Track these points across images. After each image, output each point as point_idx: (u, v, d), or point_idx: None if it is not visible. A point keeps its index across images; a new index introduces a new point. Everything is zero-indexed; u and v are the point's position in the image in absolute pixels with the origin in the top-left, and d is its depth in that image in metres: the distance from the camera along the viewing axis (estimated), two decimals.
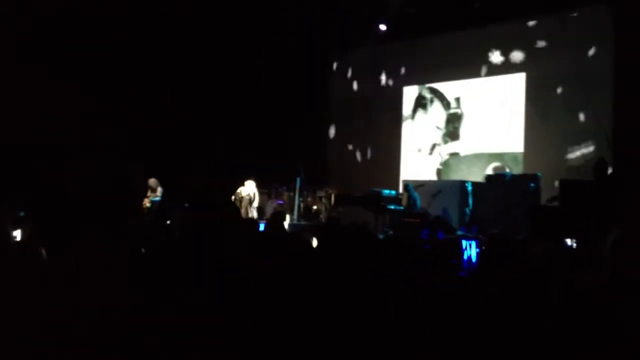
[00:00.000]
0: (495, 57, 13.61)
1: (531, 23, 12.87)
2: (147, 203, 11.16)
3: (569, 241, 7.76)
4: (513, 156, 13.30)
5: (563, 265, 3.22)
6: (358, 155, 16.06)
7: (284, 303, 2.48)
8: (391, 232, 10.41)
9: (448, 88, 14.88)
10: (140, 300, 1.66)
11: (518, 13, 12.49)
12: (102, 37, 11.34)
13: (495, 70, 13.69)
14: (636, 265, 2.57)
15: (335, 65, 16.88)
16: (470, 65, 14.02)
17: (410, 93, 15.73)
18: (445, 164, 14.85)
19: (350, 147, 16.23)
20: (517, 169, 12.72)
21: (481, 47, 13.80)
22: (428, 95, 15.52)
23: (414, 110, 15.76)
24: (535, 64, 12.83)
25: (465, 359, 2.43)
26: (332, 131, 16.86)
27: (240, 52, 13.63)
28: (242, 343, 1.93)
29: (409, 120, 15.84)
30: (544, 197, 9.79)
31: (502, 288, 2.94)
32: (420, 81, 15.35)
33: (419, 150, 15.43)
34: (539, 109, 12.73)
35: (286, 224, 11.01)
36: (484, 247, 6.82)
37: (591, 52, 11.50)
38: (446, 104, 14.96)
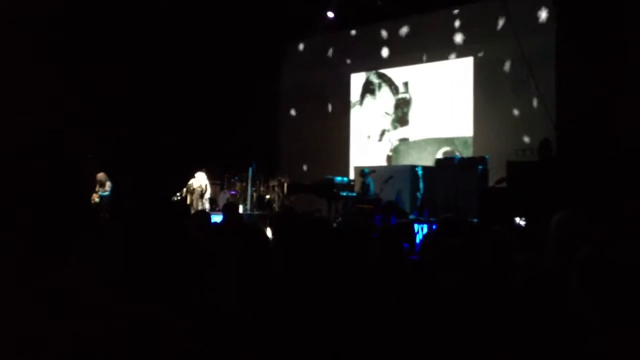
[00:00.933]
0: (443, 41, 13.63)
1: (476, 6, 12.96)
2: (95, 198, 10.97)
3: (518, 220, 7.99)
4: (463, 140, 13.35)
5: (511, 246, 3.30)
6: (309, 144, 15.95)
7: (242, 295, 2.48)
8: (340, 219, 10.47)
9: (396, 73, 14.82)
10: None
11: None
12: None
13: (443, 55, 13.73)
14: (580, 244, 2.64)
15: (285, 54, 16.78)
16: (417, 50, 14.09)
17: (358, 79, 15.69)
18: (395, 150, 14.82)
19: (300, 135, 16.14)
20: (468, 153, 12.80)
21: (429, 32, 13.84)
22: (376, 80, 15.43)
23: (362, 96, 15.70)
24: (483, 48, 12.96)
25: (417, 342, 2.47)
26: (283, 120, 16.79)
27: (189, 43, 13.43)
28: (200, 337, 1.92)
29: (358, 107, 15.78)
30: (493, 180, 9.98)
31: (452, 271, 3.00)
32: (369, 68, 15.34)
33: (369, 137, 15.38)
34: (487, 92, 12.86)
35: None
36: (431, 231, 6.92)
37: (537, 35, 11.69)
38: (394, 89, 14.91)
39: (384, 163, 14.58)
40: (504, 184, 8.48)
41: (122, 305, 1.41)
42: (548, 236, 2.89)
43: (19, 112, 9.26)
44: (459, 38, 13.44)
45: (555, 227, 2.83)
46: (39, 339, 1.34)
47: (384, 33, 14.70)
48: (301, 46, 16.33)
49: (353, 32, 15.24)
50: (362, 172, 11.80)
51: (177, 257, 1.96)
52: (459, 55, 13.48)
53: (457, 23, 13.45)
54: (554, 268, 2.62)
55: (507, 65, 12.48)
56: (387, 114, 15.06)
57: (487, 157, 10.91)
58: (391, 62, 14.76)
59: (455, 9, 13.32)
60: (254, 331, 2.25)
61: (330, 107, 16.00)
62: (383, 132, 15.12)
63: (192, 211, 11.62)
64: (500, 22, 12.43)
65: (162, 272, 1.90)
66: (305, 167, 15.53)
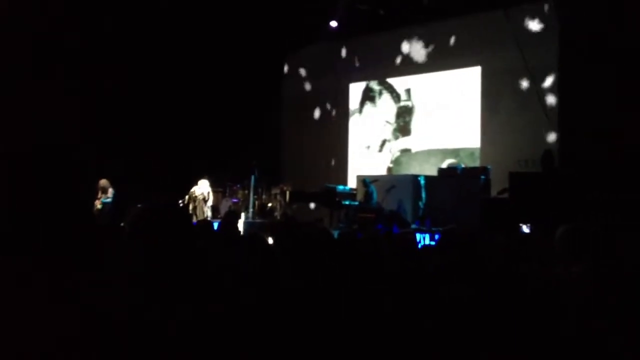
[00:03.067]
0: (447, 51, 13.41)
1: (484, 17, 12.63)
2: (98, 205, 10.97)
3: (524, 227, 8.02)
4: (469, 152, 12.93)
5: (513, 257, 3.29)
6: (309, 153, 15.81)
7: (242, 303, 2.48)
8: (342, 227, 10.47)
9: (398, 80, 14.44)
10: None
11: (469, 8, 12.55)
12: None
13: (448, 64, 13.41)
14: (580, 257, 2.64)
15: (286, 63, 16.79)
16: (421, 59, 13.93)
17: (359, 88, 15.35)
18: (396, 161, 14.40)
19: (301, 144, 16.06)
20: (474, 165, 12.30)
21: (431, 41, 13.76)
22: (376, 87, 15.01)
23: (362, 104, 15.27)
24: (489, 58, 12.69)
25: (422, 354, 2.47)
26: (284, 129, 16.78)
27: (193, 52, 13.47)
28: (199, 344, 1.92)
29: (357, 115, 15.36)
30: (496, 190, 9.96)
31: (456, 283, 2.99)
32: (371, 77, 15.08)
33: (368, 147, 14.97)
34: (493, 103, 12.63)
35: (241, 222, 11.00)
36: (436, 243, 6.92)
37: (540, 45, 11.66)
38: (396, 97, 14.52)
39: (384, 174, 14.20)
40: (506, 195, 8.48)
41: (123, 309, 1.41)
42: (554, 247, 2.89)
43: (21, 114, 9.29)
44: (462, 47, 13.17)
45: (564, 239, 2.83)
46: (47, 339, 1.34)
47: (387, 42, 14.51)
48: (303, 55, 16.26)
49: (356, 40, 15.07)
50: (364, 181, 11.78)
51: (181, 263, 1.96)
52: (464, 65, 13.15)
53: (461, 32, 13.21)
54: (564, 278, 2.62)
55: (511, 76, 12.21)
56: (387, 122, 14.69)
57: (489, 167, 10.91)
58: (394, 71, 14.54)
59: (459, 18, 13.09)
60: (256, 339, 2.25)
61: (330, 116, 15.89)
62: (384, 142, 14.73)
63: (195, 219, 11.65)
64: (505, 32, 12.29)
65: (165, 277, 1.90)
66: (306, 176, 15.50)
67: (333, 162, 15.42)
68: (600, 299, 1.81)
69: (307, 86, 16.18)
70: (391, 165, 14.51)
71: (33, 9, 10.07)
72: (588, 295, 1.88)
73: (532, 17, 11.98)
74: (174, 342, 1.74)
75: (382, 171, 14.34)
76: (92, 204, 10.83)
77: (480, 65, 12.96)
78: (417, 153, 14.01)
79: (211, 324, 2.14)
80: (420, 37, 13.96)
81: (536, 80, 10.88)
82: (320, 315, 2.57)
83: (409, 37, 14.14)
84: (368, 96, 15.23)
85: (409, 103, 14.28)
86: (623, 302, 1.74)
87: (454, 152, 13.21)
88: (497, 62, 12.51)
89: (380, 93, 14.94)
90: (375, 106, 15.07)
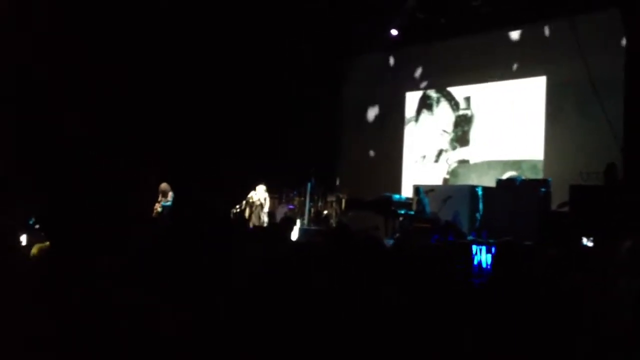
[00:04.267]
0: (510, 60, 13.07)
1: (549, 25, 12.40)
2: (158, 208, 11.23)
3: (585, 241, 7.79)
4: (532, 164, 12.47)
5: (569, 271, 3.23)
6: (366, 161, 15.77)
7: (288, 309, 2.51)
8: (398, 235, 10.42)
9: (457, 88, 14.04)
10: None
11: (531, 18, 12.32)
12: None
13: (512, 73, 13.02)
14: None
15: (346, 70, 16.78)
16: (484, 69, 13.44)
17: (417, 97, 14.98)
18: (453, 172, 13.95)
19: (359, 152, 16.02)
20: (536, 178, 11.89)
21: (496, 50, 13.35)
22: (434, 94, 14.56)
23: (418, 112, 14.83)
24: (557, 68, 12.28)
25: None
26: (342, 136, 16.79)
27: (253, 57, 13.67)
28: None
29: (412, 123, 14.93)
30: (556, 203, 9.72)
31: (510, 296, 2.96)
32: (431, 86, 14.74)
33: (424, 157, 14.55)
34: (557, 114, 12.24)
35: (296, 228, 11.09)
36: (489, 253, 6.85)
37: (606, 56, 11.32)
38: (454, 105, 14.08)
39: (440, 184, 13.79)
40: (566, 208, 8.29)
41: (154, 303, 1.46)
42: (615, 261, 2.83)
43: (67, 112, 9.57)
44: (525, 57, 12.83)
45: (629, 253, 2.77)
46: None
47: (448, 51, 14.14)
48: (363, 62, 16.19)
49: (416, 49, 14.79)
50: (416, 190, 11.69)
51: (219, 266, 2.01)
52: (529, 74, 12.73)
53: (527, 41, 12.87)
54: (627, 293, 2.56)
55: (576, 86, 11.73)
56: (445, 132, 14.25)
57: (549, 179, 10.65)
58: (454, 80, 14.19)
59: (522, 28, 12.91)
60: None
61: (387, 124, 15.69)
62: (440, 152, 14.28)
63: (251, 224, 11.81)
64: (570, 42, 11.91)
65: (197, 278, 1.96)
66: (362, 184, 15.43)
67: (388, 171, 15.29)
68: None
69: (366, 94, 16.11)
70: (447, 177, 14.03)
71: (33, 9, 10.34)
72: None
73: (598, 27, 11.63)
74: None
75: (438, 182, 13.84)
76: (152, 207, 11.13)
77: (546, 75, 12.55)
78: (475, 164, 13.56)
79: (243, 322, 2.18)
80: (482, 46, 13.58)
81: (600, 91, 10.55)
82: (367, 322, 2.58)
83: (469, 46, 13.81)
84: (425, 104, 14.80)
85: (468, 112, 13.84)
86: None
87: (516, 164, 12.73)
88: (562, 72, 12.13)
89: (438, 101, 14.51)
90: (432, 114, 14.65)
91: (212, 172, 12.51)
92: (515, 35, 13.07)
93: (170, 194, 11.50)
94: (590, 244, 7.67)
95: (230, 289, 2.15)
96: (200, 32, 12.68)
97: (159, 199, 11.28)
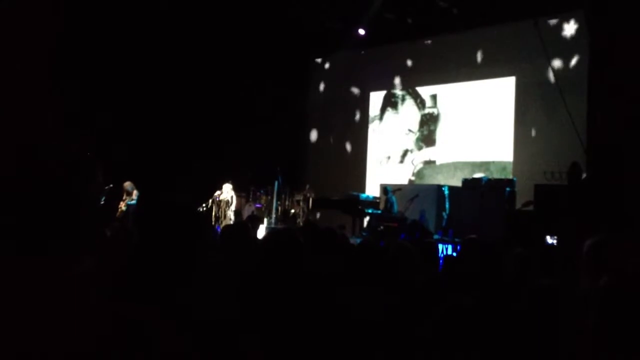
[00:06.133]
0: (476, 61, 13.07)
1: (511, 26, 12.30)
2: (122, 207, 11.06)
3: (549, 239, 7.90)
4: (501, 165, 12.40)
5: (533, 269, 3.24)
6: (332, 160, 15.71)
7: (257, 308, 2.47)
8: (365, 235, 10.43)
9: (424, 87, 13.79)
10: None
11: (500, 18, 12.36)
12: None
13: (481, 73, 12.97)
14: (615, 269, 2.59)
15: (312, 69, 16.76)
16: (448, 69, 13.42)
17: (382, 95, 14.78)
18: (419, 173, 13.75)
19: (325, 151, 15.99)
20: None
21: (461, 51, 13.35)
22: (399, 92, 14.28)
23: (383, 110, 14.59)
24: (524, 68, 12.27)
25: None
26: (309, 135, 16.76)
27: (220, 57, 13.56)
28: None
29: (377, 122, 14.72)
30: (520, 202, 9.84)
31: (474, 293, 2.96)
32: (399, 85, 14.63)
33: (388, 158, 14.35)
34: (527, 114, 12.30)
35: (263, 227, 11.02)
36: (455, 252, 6.89)
37: (573, 56, 11.48)
38: (420, 103, 13.85)
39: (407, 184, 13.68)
40: (531, 207, 8.38)
41: (120, 308, 1.41)
42: (580, 260, 2.84)
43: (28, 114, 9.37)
44: (494, 57, 12.79)
45: (591, 251, 2.78)
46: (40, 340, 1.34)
47: (412, 51, 14.22)
48: (329, 61, 16.18)
49: (382, 48, 14.73)
50: (384, 189, 11.73)
51: (185, 265, 1.96)
52: (497, 75, 12.69)
53: (494, 42, 12.78)
54: (589, 292, 2.57)
55: (542, 87, 11.90)
56: (410, 131, 14.02)
57: (514, 179, 10.78)
58: (421, 80, 14.13)
59: (489, 28, 12.83)
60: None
61: (353, 123, 15.71)
62: (405, 152, 14.07)
63: (218, 223, 11.70)
64: (534, 43, 11.98)
65: (165, 278, 1.90)
66: (329, 183, 15.39)
67: (354, 170, 15.27)
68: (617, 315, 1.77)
69: (333, 93, 16.11)
70: (413, 178, 13.79)
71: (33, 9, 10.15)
72: (611, 310, 1.84)
73: (563, 28, 11.81)
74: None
75: (404, 183, 13.60)
76: (117, 206, 10.95)
77: (515, 75, 12.53)
78: (442, 165, 13.39)
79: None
80: (450, 46, 13.53)
81: (565, 92, 10.70)
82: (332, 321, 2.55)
83: (437, 46, 13.84)
84: (390, 102, 14.51)
85: (434, 110, 13.62)
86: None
87: (484, 165, 12.62)
88: (530, 72, 12.18)
89: (403, 99, 14.28)
90: (397, 113, 14.42)
91: (179, 171, 12.36)
92: (483, 35, 13.03)
93: (135, 193, 11.34)
94: (553, 242, 7.78)
95: (196, 287, 2.10)
96: (166, 33, 12.51)
97: (124, 197, 11.11)
